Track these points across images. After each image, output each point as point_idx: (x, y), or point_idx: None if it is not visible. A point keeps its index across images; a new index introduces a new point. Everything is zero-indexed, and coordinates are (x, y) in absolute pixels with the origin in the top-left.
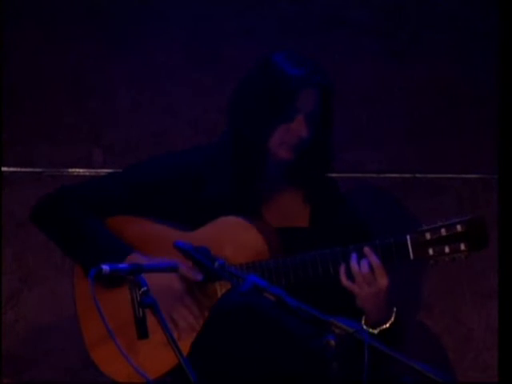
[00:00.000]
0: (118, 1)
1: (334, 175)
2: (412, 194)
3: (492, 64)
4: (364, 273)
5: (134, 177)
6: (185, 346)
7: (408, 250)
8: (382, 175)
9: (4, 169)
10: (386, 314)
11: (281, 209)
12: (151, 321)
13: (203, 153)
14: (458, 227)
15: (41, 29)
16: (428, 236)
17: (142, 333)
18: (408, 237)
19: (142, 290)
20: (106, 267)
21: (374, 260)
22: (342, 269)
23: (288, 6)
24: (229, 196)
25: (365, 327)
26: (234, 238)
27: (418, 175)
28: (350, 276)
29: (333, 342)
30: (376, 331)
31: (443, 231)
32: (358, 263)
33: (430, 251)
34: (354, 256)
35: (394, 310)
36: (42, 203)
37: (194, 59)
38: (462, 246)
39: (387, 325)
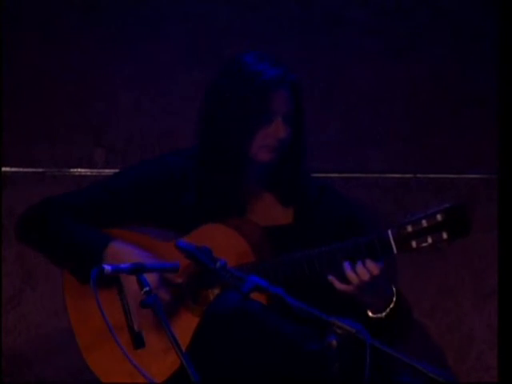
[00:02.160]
0: (119, 0)
1: (335, 175)
2: (413, 194)
3: (492, 64)
4: (363, 278)
5: (114, 183)
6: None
7: (391, 244)
8: (383, 175)
9: (6, 169)
10: (387, 294)
11: (265, 208)
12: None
13: (184, 156)
14: (439, 216)
15: (42, 29)
16: (410, 228)
17: (138, 343)
18: (389, 232)
19: (144, 289)
20: (107, 267)
21: (370, 263)
22: (334, 278)
23: (289, 7)
24: (210, 201)
25: (371, 315)
26: (216, 244)
27: (419, 175)
28: (345, 280)
29: (334, 343)
30: (384, 314)
31: (424, 222)
32: (354, 270)
33: (413, 244)
34: (347, 264)
35: (394, 289)
36: (24, 220)
37: (196, 59)
38: (444, 235)
39: (392, 305)
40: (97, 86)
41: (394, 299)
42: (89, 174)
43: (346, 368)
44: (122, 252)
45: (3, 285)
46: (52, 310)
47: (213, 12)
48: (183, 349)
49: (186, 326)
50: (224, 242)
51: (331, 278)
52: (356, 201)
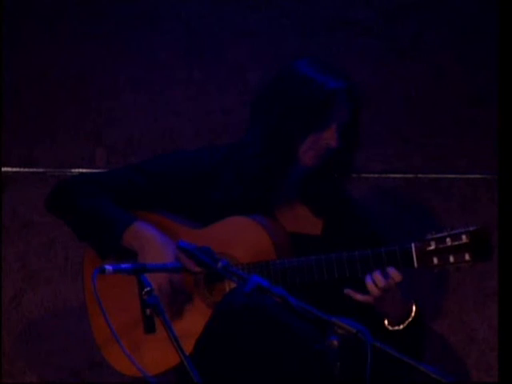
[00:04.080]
0: (121, 1)
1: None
2: (414, 195)
3: (492, 64)
4: (381, 287)
5: (151, 167)
6: (188, 345)
7: (412, 258)
8: (384, 175)
9: (7, 169)
10: (406, 306)
11: (294, 215)
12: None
13: (221, 152)
14: (464, 237)
15: (43, 28)
16: (433, 245)
17: (149, 327)
18: (413, 245)
19: (146, 290)
20: (108, 267)
21: (392, 270)
22: (351, 290)
23: (291, 7)
24: (244, 197)
25: (390, 328)
26: (240, 237)
27: (420, 175)
28: (365, 291)
29: (336, 343)
30: (401, 327)
31: (448, 241)
32: (374, 280)
33: (435, 260)
34: (368, 277)
35: (413, 301)
36: (56, 191)
37: (197, 59)
38: (467, 257)
39: (411, 318)
40: (98, 86)
41: (413, 313)
42: (90, 174)
43: (347, 368)
44: (142, 234)
45: (4, 285)
46: (52, 310)
47: (213, 12)
48: (192, 341)
49: (198, 316)
50: (247, 235)
51: (348, 291)
52: (377, 219)
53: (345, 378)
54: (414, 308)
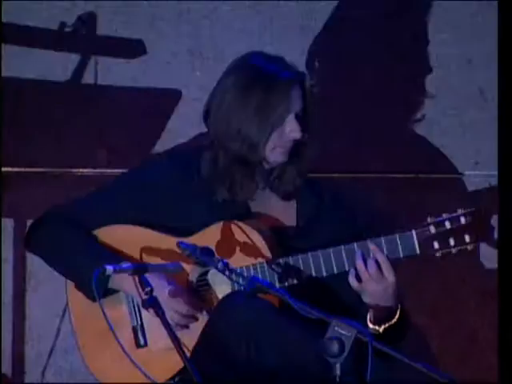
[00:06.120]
0: (121, 1)
1: (336, 175)
2: (415, 194)
3: (492, 64)
4: (371, 272)
5: (118, 187)
6: (186, 349)
7: (414, 244)
8: (384, 175)
9: (8, 169)
10: (392, 309)
11: (267, 210)
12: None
13: (196, 154)
14: (462, 219)
15: (43, 29)
16: (433, 229)
17: (140, 341)
18: (413, 231)
19: (146, 289)
20: (109, 267)
21: (380, 257)
22: (352, 272)
23: (291, 7)
24: (218, 201)
25: (370, 325)
26: (233, 241)
27: (420, 175)
28: (358, 277)
29: (336, 342)
30: (381, 328)
31: (447, 224)
32: (365, 262)
33: (436, 245)
34: (359, 255)
35: (399, 306)
36: (30, 231)
37: (197, 59)
38: (467, 238)
39: (393, 321)
40: (98, 86)
41: (397, 316)
42: (91, 174)
43: (347, 367)
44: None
45: (5, 285)
46: (53, 311)
47: (213, 12)
48: (191, 344)
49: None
50: (240, 238)
51: (351, 272)
52: (361, 206)
53: (345, 378)
54: (398, 313)
